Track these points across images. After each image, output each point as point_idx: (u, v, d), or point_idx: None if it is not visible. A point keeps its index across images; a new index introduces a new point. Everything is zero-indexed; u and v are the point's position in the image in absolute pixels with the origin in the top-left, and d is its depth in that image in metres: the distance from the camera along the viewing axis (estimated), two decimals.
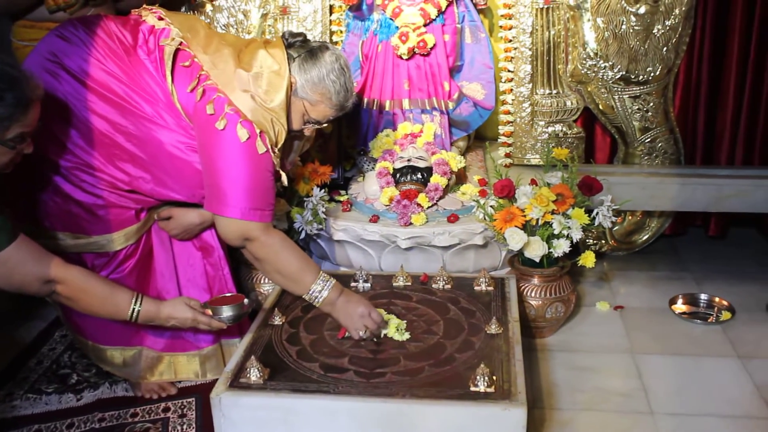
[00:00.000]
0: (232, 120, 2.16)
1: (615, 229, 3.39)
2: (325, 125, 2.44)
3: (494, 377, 2.01)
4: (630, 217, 3.40)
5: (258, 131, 2.19)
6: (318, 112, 2.31)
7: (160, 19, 2.30)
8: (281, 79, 2.23)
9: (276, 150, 2.26)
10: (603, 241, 3.42)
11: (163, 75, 2.22)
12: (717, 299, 3.04)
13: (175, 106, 2.22)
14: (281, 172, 2.32)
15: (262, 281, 2.86)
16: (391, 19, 3.02)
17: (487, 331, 2.28)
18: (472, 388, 1.98)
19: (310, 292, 2.27)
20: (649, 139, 3.27)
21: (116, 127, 2.21)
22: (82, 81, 2.18)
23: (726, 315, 2.93)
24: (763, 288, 3.15)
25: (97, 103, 2.19)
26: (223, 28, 3.25)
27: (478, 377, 1.99)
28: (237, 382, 2.05)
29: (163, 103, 2.23)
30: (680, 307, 3.03)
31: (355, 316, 2.26)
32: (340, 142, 3.23)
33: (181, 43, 2.25)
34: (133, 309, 2.11)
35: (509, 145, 3.34)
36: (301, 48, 2.30)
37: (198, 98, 2.19)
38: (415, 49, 2.99)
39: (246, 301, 2.26)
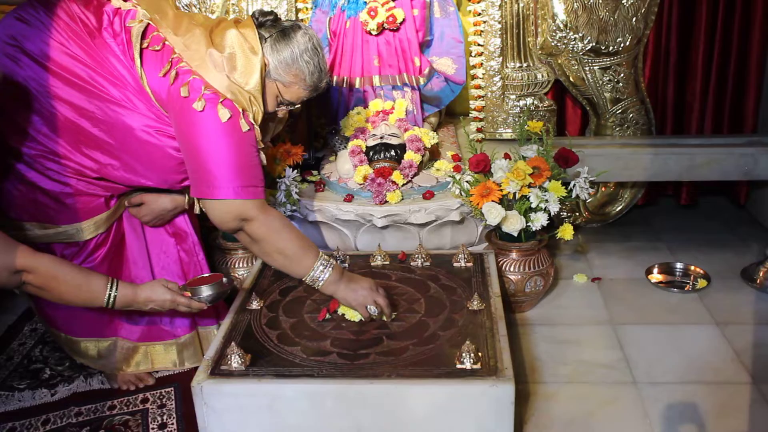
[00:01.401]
0: (212, 101, 2.09)
1: (589, 201, 3.39)
2: (297, 106, 2.38)
3: (480, 354, 1.99)
4: (603, 189, 3.40)
5: (240, 109, 2.12)
6: (292, 94, 2.26)
7: (126, 0, 2.22)
8: (255, 60, 2.17)
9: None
10: (577, 214, 3.42)
11: (131, 58, 2.14)
12: (692, 267, 3.06)
13: (145, 90, 2.14)
14: (261, 151, 2.26)
15: (237, 265, 2.81)
16: None
17: (470, 308, 2.26)
18: (458, 366, 1.96)
19: (312, 273, 2.18)
20: (620, 110, 3.26)
21: (81, 113, 2.13)
22: (44, 65, 2.09)
23: (702, 283, 2.95)
24: (737, 254, 3.18)
25: (60, 88, 2.11)
26: (186, 7, 3.15)
27: (463, 354, 1.97)
28: (218, 370, 2.00)
29: (131, 86, 2.15)
30: (656, 276, 3.05)
31: (362, 292, 2.19)
32: (310, 121, 3.18)
33: (148, 25, 2.17)
34: (109, 294, 2.03)
35: (481, 120, 3.31)
36: (273, 28, 2.23)
37: (171, 81, 2.11)
38: (385, 25, 2.94)
39: (225, 279, 2.21)
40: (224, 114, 2.08)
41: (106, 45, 2.14)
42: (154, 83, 2.14)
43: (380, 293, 2.21)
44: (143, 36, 2.15)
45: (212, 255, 2.81)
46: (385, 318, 2.21)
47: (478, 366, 1.95)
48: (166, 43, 2.16)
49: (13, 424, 2.28)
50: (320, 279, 2.18)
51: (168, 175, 2.24)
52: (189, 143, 2.14)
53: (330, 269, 2.18)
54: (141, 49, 2.14)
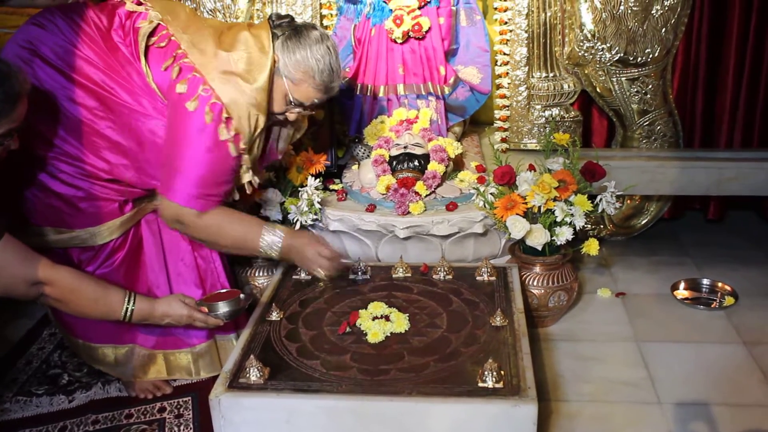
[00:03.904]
0: (203, 101, 2.10)
1: (612, 214, 3.32)
2: (311, 112, 2.35)
3: (502, 372, 1.95)
4: (629, 201, 3.35)
5: (224, 117, 2.11)
6: (301, 93, 2.22)
7: (139, 3, 2.23)
8: (264, 59, 2.15)
9: (252, 139, 2.19)
10: (601, 226, 3.37)
11: (137, 57, 2.16)
12: (719, 284, 3.00)
13: (151, 87, 2.16)
14: (246, 167, 2.26)
15: (256, 274, 2.79)
16: (384, 1, 2.94)
17: (492, 324, 2.22)
18: (480, 384, 1.92)
19: (261, 249, 2.29)
20: (647, 122, 3.21)
21: (93, 113, 2.15)
22: (58, 68, 2.12)
23: (729, 300, 2.89)
24: (765, 272, 3.11)
25: (71, 89, 2.12)
26: (210, 13, 3.15)
27: (486, 373, 1.93)
28: (236, 383, 1.98)
29: (138, 86, 2.16)
30: (682, 292, 2.99)
31: (306, 260, 2.31)
32: (333, 129, 3.15)
33: (158, 25, 2.18)
34: (126, 308, 2.04)
35: (505, 130, 3.27)
36: (287, 27, 2.22)
37: (174, 76, 2.13)
38: (410, 33, 2.92)
39: (242, 296, 2.20)
40: (209, 117, 2.09)
41: (116, 46, 2.17)
42: (158, 78, 2.16)
43: (325, 256, 2.31)
44: (152, 34, 2.17)
45: (231, 263, 2.79)
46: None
47: (500, 385, 1.91)
48: (173, 39, 2.17)
49: (31, 430, 2.27)
50: (272, 251, 2.29)
51: None
52: (171, 137, 2.16)
53: (277, 244, 2.28)
54: (148, 47, 2.16)
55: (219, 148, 2.14)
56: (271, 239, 2.27)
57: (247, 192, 2.35)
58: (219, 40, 2.19)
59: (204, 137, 2.12)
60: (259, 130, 2.20)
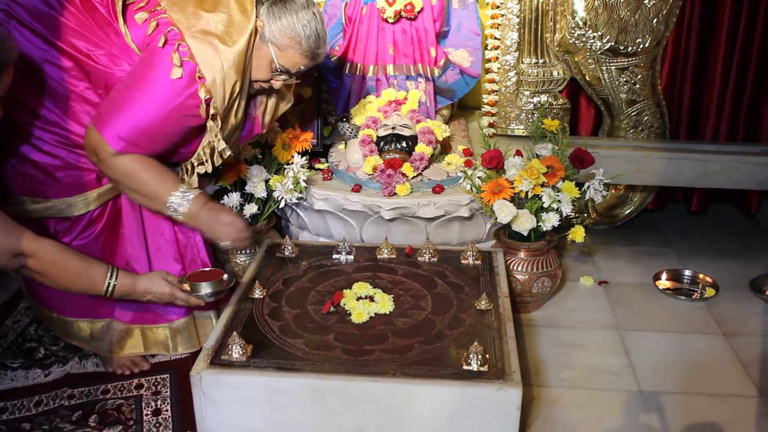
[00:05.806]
0: (179, 56, 2.04)
1: (598, 202, 3.33)
2: (296, 80, 2.29)
3: (487, 356, 1.94)
4: (613, 191, 3.35)
5: (198, 77, 2.05)
6: (287, 59, 2.17)
7: None
8: (246, 21, 2.10)
9: (228, 104, 2.13)
10: (585, 215, 3.37)
11: (114, 16, 2.11)
12: (701, 276, 3.01)
13: (130, 48, 2.11)
14: (215, 134, 2.17)
15: (237, 251, 2.75)
16: None
17: (477, 307, 2.21)
18: (465, 367, 1.91)
19: (168, 206, 2.11)
20: (635, 112, 3.21)
21: (72, 75, 2.10)
22: (35, 30, 2.07)
23: (710, 292, 2.91)
24: (746, 265, 3.13)
25: (51, 53, 2.08)
26: None
27: (470, 356, 1.91)
28: (218, 359, 1.94)
29: (117, 47, 2.11)
30: (664, 282, 3.00)
31: (219, 225, 2.14)
32: (320, 107, 3.11)
33: None
34: (109, 283, 2.01)
35: (493, 115, 3.25)
36: None
37: (150, 31, 2.08)
38: (402, 13, 2.88)
39: (225, 276, 2.16)
40: (180, 72, 2.03)
41: (94, 7, 2.12)
42: (136, 37, 2.11)
43: (238, 227, 2.17)
44: None
45: None
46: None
47: (485, 368, 1.90)
48: None
49: (5, 404, 2.23)
50: (177, 213, 2.13)
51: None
52: (132, 78, 2.08)
53: (187, 204, 2.12)
54: (126, 6, 2.11)
55: (179, 108, 2.06)
56: (179, 201, 2.11)
57: (216, 164, 2.25)
58: (201, 1, 2.14)
59: (166, 91, 2.04)
60: (235, 95, 2.14)
